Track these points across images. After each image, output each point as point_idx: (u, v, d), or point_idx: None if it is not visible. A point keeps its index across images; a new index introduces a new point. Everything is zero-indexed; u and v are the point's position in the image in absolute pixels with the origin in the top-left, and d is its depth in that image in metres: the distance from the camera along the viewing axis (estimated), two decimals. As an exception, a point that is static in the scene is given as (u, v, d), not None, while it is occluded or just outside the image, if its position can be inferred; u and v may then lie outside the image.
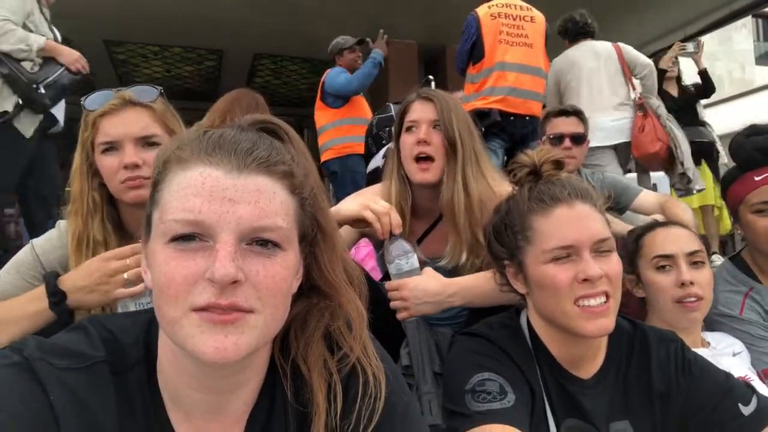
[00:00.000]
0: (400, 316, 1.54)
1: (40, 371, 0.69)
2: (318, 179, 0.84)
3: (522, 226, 1.17)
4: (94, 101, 1.46)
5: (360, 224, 1.57)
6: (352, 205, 1.57)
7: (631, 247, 1.70)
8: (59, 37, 3.46)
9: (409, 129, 1.78)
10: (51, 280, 1.33)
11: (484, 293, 1.52)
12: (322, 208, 0.83)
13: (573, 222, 1.11)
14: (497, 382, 1.08)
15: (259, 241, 0.70)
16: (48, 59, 3.21)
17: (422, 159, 1.73)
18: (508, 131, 3.64)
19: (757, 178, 1.75)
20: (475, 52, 3.70)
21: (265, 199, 0.70)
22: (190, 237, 0.68)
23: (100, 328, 0.78)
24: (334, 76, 4.60)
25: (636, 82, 4.01)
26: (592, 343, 1.16)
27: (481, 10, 3.66)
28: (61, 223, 1.52)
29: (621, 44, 4.06)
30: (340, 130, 4.63)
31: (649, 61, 4.11)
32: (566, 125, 2.71)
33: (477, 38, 3.65)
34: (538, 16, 3.75)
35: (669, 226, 1.66)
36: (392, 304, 1.53)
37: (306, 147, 0.85)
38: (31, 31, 3.17)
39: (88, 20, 6.09)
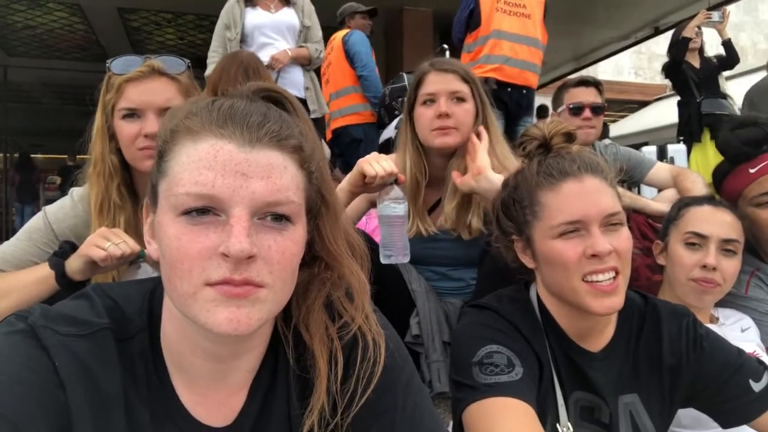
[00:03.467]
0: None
1: (45, 338, 0.70)
2: (322, 152, 0.83)
3: (530, 201, 1.15)
4: (120, 64, 1.45)
5: (363, 186, 1.56)
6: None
7: (671, 213, 1.67)
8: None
9: (426, 102, 1.74)
10: (58, 268, 1.32)
11: None
12: (327, 180, 0.83)
13: (582, 197, 1.09)
14: (505, 355, 1.07)
15: (272, 216, 0.70)
16: None
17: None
18: (503, 101, 3.62)
19: (752, 171, 1.72)
20: (472, 20, 3.69)
21: (277, 174, 0.70)
22: (203, 211, 0.67)
23: (104, 296, 0.78)
24: (362, 45, 4.25)
25: None
26: (601, 317, 1.16)
27: None
28: (74, 191, 1.53)
29: None
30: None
31: None
32: (586, 95, 2.65)
33: (474, 6, 3.65)
34: None
35: (717, 207, 1.60)
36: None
37: (309, 118, 0.85)
38: None
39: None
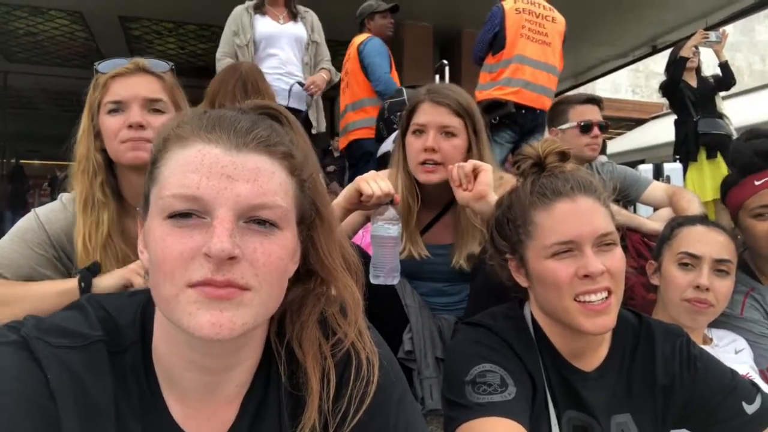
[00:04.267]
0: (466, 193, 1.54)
1: (37, 350, 0.69)
2: (317, 164, 0.84)
3: (523, 221, 1.15)
4: (107, 66, 1.51)
5: (358, 204, 1.55)
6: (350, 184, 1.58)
7: (664, 233, 1.67)
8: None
9: (416, 132, 1.72)
10: (86, 282, 1.32)
11: None
12: (321, 192, 0.83)
13: (574, 217, 1.09)
14: (498, 374, 1.07)
15: (257, 220, 0.70)
16: None
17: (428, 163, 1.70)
18: (519, 123, 3.79)
19: (757, 183, 1.74)
20: (496, 42, 3.84)
21: (264, 178, 0.70)
22: (188, 214, 0.67)
23: (98, 308, 0.78)
24: (377, 55, 4.07)
25: None
26: (595, 337, 1.15)
27: (507, 4, 3.80)
28: (63, 196, 1.54)
29: None
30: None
31: None
32: (594, 113, 2.67)
33: (500, 29, 3.78)
34: (560, 17, 3.91)
35: (710, 227, 1.60)
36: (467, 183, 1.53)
37: (306, 133, 0.85)
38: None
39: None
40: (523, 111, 3.75)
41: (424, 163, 1.70)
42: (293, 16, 3.82)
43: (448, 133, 1.70)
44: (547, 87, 3.86)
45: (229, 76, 2.62)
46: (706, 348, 1.47)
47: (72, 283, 1.32)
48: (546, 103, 3.84)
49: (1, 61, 8.53)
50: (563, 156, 1.19)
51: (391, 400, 0.83)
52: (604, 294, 1.07)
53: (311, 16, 3.91)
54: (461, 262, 1.72)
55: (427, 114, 1.71)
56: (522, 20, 3.76)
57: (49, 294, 1.32)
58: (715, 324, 1.66)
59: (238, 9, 3.76)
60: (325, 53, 3.92)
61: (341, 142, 4.49)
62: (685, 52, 4.72)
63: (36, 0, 6.36)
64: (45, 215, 1.47)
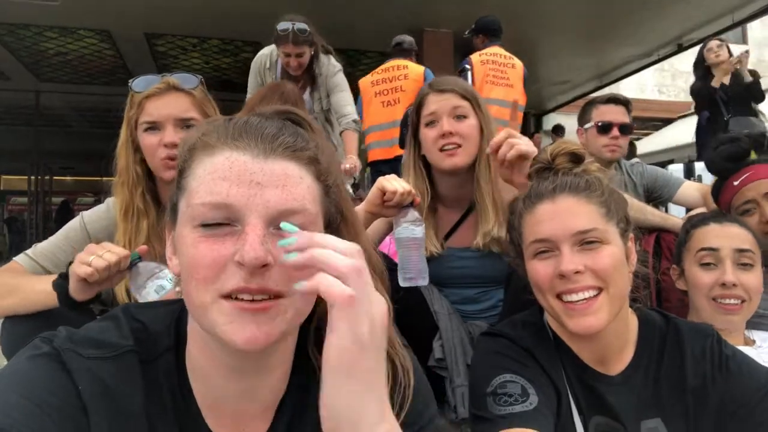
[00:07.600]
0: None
1: (69, 361, 0.70)
2: (340, 168, 0.84)
3: (519, 224, 1.18)
4: (140, 84, 1.60)
5: (381, 206, 1.55)
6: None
7: (681, 237, 1.65)
8: None
9: (429, 123, 1.75)
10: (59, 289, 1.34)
11: None
12: (345, 198, 0.83)
13: (551, 216, 1.10)
14: (519, 384, 1.06)
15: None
16: None
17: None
18: None
19: (735, 183, 1.80)
20: None
21: (292, 183, 0.70)
22: (219, 223, 0.68)
23: (130, 319, 0.79)
24: None
25: None
26: (611, 340, 1.13)
27: (475, 57, 4.57)
28: (109, 200, 1.67)
29: None
30: None
31: None
32: (615, 114, 2.62)
33: (471, 79, 4.41)
34: (518, 64, 4.67)
35: (724, 221, 1.58)
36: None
37: (327, 138, 0.85)
38: None
39: (130, 13, 6.23)
40: None
41: (442, 149, 1.70)
42: (312, 81, 3.59)
43: (459, 115, 1.72)
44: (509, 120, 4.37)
45: (272, 92, 2.70)
46: (748, 350, 1.42)
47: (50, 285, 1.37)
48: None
49: (33, 80, 8.79)
50: (574, 156, 1.18)
51: (424, 415, 0.83)
52: (589, 293, 1.06)
53: (324, 69, 3.61)
54: (481, 241, 1.71)
55: (436, 102, 1.74)
56: (486, 69, 4.47)
57: (40, 291, 1.39)
58: (753, 326, 1.61)
59: (261, 60, 3.66)
60: (345, 101, 3.60)
61: (389, 152, 4.48)
62: (715, 83, 4.76)
63: (66, 21, 6.55)
64: (89, 216, 1.63)
